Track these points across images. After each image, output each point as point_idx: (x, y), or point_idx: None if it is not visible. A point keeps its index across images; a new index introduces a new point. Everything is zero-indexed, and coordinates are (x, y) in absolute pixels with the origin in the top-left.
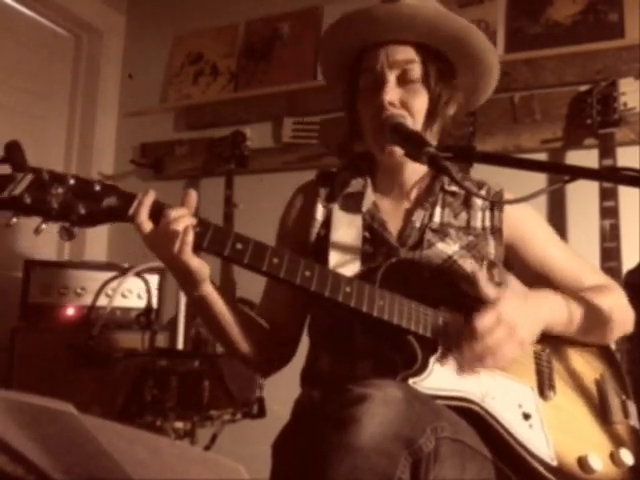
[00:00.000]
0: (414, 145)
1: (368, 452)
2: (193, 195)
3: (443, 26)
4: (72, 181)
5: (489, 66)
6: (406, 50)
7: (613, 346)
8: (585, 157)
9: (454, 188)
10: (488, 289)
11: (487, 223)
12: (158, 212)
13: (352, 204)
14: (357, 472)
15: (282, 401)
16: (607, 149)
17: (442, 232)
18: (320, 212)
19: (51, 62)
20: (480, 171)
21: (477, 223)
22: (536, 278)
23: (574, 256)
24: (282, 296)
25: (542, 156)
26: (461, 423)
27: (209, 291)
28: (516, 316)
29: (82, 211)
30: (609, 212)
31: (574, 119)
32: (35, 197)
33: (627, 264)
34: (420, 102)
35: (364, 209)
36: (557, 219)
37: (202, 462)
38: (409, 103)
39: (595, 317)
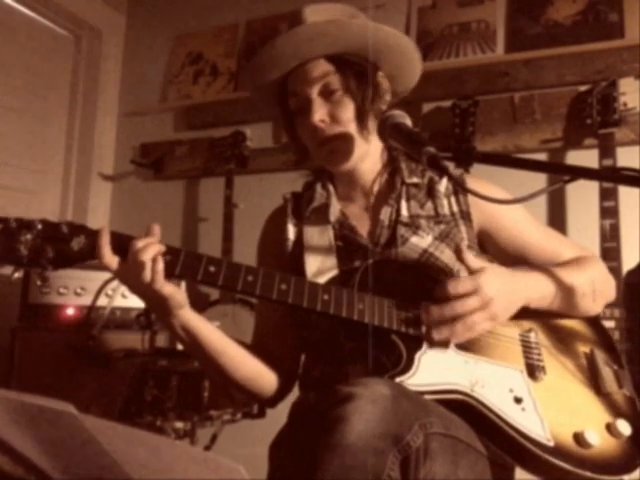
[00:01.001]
0: (414, 145)
1: (356, 450)
2: (157, 227)
3: (340, 34)
4: (40, 226)
5: (405, 52)
6: (319, 64)
7: None
8: (585, 157)
9: (415, 180)
10: (472, 260)
11: (455, 208)
12: (124, 245)
13: (320, 217)
14: (346, 471)
15: (282, 401)
16: (607, 149)
17: (413, 224)
18: (291, 231)
19: (51, 62)
20: (480, 171)
21: (445, 210)
22: (512, 258)
23: (548, 232)
24: (274, 323)
25: (542, 156)
26: (453, 418)
27: (190, 318)
28: (494, 291)
29: (51, 254)
30: (609, 212)
31: (574, 119)
32: (4, 246)
33: (627, 264)
34: (347, 110)
35: (332, 219)
36: (557, 219)
37: (202, 462)
38: (337, 115)
39: (577, 290)
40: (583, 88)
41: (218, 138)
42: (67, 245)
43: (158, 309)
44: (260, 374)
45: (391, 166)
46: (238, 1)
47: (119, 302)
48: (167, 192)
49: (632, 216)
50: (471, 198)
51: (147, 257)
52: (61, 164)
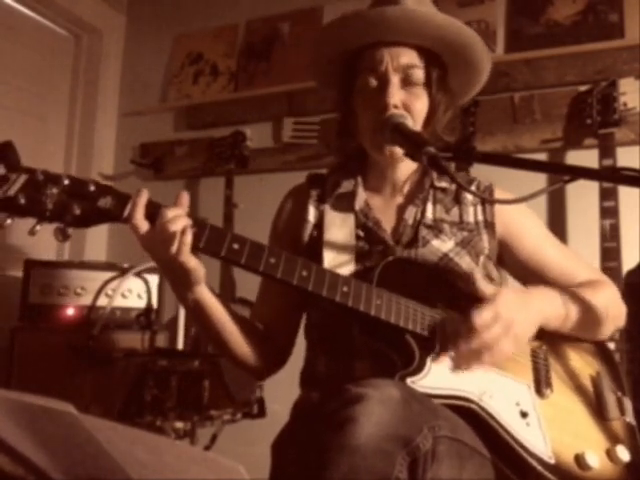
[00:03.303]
0: (414, 145)
1: (365, 452)
2: (186, 196)
3: (451, 34)
4: (67, 181)
5: (483, 74)
6: (410, 53)
7: (612, 346)
8: (585, 157)
9: (444, 184)
10: (485, 286)
11: (480, 217)
12: (154, 212)
13: (344, 204)
14: (355, 472)
15: (282, 401)
16: (607, 149)
17: (436, 228)
18: (312, 214)
19: (51, 62)
20: (480, 171)
21: (470, 218)
22: (529, 274)
23: (567, 252)
24: (277, 298)
25: (542, 156)
26: (459, 422)
27: (205, 293)
28: (513, 312)
29: (77, 212)
30: (609, 212)
31: (574, 119)
32: (30, 198)
33: (627, 264)
34: (422, 106)
35: (357, 207)
36: (557, 219)
37: (202, 462)
38: (411, 106)
39: (591, 313)
40: (583, 88)
41: (218, 138)
42: (94, 204)
43: (177, 281)
44: (258, 350)
45: (423, 168)
46: (238, 1)
47: (119, 302)
48: (167, 192)
49: (632, 216)
50: (497, 210)
51: (177, 228)
52: (61, 164)
